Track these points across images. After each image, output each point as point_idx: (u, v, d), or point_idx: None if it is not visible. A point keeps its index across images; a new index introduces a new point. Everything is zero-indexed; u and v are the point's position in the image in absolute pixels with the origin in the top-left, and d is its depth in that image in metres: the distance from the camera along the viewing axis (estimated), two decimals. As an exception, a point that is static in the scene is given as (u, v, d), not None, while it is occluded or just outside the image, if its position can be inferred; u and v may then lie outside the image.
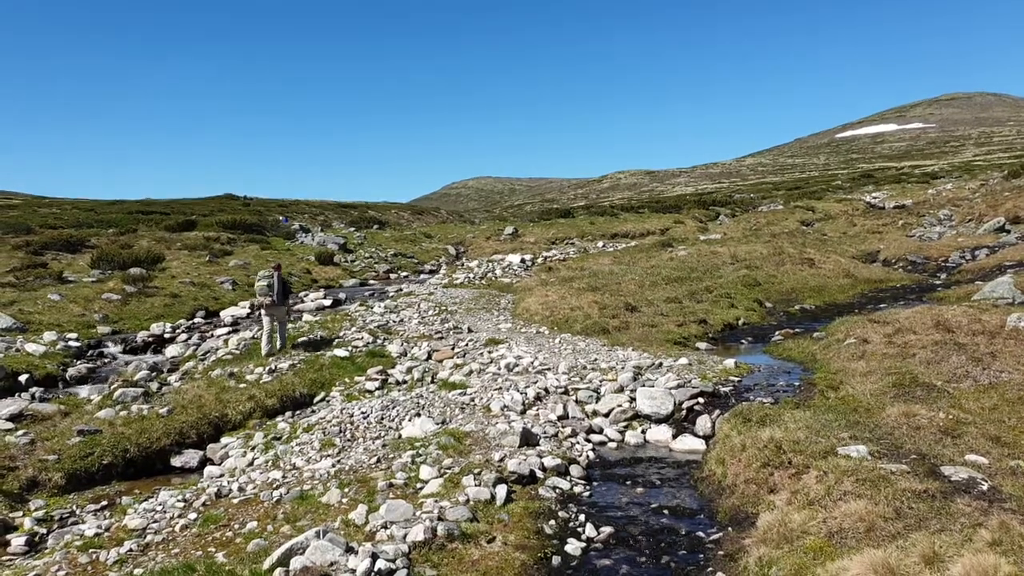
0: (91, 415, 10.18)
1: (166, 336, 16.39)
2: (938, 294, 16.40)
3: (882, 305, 15.84)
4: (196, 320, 18.34)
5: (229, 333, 15.46)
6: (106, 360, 14.72)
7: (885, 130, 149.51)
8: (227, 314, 18.68)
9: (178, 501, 7.28)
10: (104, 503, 7.83)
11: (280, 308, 13.12)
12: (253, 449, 8.93)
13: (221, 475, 8.32)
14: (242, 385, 11.16)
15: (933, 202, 36.79)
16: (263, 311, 13.05)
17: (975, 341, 9.60)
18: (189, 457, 9.27)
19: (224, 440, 9.59)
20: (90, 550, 6.28)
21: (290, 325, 14.79)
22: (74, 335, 15.50)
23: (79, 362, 14.08)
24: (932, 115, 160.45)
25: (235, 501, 7.16)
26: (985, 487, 5.41)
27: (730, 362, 10.99)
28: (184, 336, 16.26)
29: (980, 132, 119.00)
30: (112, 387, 11.41)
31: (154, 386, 11.53)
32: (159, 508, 7.17)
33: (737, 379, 10.22)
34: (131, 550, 6.24)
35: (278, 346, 13.06)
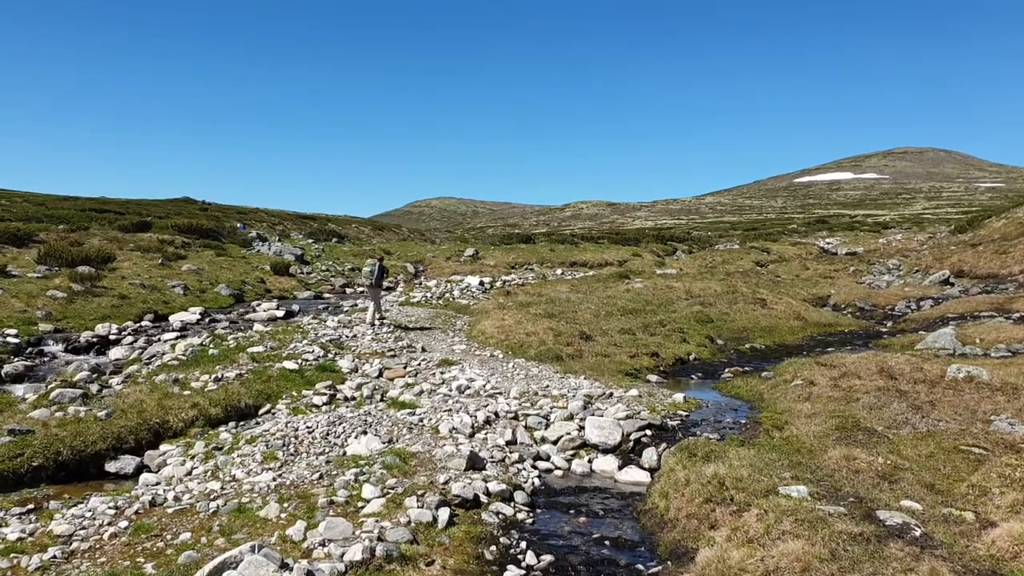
0: (24, 414, 9.81)
1: (111, 337, 15.91)
2: (884, 341, 16.85)
3: (830, 349, 16.21)
4: (144, 323, 17.86)
5: (177, 338, 15.07)
6: (46, 359, 14.22)
7: (841, 178, 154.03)
8: (176, 319, 18.25)
9: (109, 508, 7.05)
10: (31, 506, 7.51)
11: (376, 289, 17.20)
12: (193, 458, 8.69)
13: (157, 483, 8.07)
14: (186, 392, 10.88)
15: (883, 251, 37.94)
16: (366, 291, 19.83)
17: (916, 389, 9.88)
18: (125, 463, 8.96)
19: (163, 447, 9.32)
20: (11, 555, 6.04)
21: (240, 334, 15.15)
22: (13, 331, 14.96)
23: (17, 359, 13.56)
24: (886, 166, 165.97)
25: (170, 511, 6.96)
26: (918, 533, 5.54)
27: (679, 396, 11.10)
28: (130, 339, 15.80)
29: (930, 186, 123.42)
30: (49, 387, 11.02)
31: (94, 388, 11.16)
32: (88, 514, 6.91)
33: (685, 413, 10.32)
34: (55, 557, 6.02)
35: (376, 319, 16.90)
